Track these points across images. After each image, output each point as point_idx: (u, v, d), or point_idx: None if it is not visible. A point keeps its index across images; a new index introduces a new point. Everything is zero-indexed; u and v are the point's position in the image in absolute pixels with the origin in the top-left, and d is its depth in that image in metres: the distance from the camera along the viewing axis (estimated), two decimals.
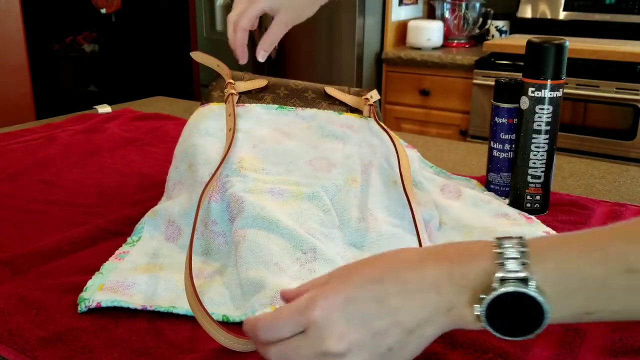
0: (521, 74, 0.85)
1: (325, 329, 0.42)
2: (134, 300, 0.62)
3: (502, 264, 0.41)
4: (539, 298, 0.40)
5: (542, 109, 0.83)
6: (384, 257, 0.46)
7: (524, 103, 0.84)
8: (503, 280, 0.41)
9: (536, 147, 0.84)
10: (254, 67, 2.71)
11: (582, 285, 0.41)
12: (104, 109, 1.47)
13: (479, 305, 0.42)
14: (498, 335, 0.42)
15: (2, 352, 0.56)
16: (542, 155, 0.85)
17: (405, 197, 0.76)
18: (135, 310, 0.62)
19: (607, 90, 2.12)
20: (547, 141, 0.84)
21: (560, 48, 0.81)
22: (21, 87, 2.41)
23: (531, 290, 0.40)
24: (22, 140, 1.20)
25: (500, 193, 0.92)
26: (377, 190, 0.78)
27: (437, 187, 0.90)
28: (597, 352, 0.56)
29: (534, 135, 0.84)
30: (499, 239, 0.43)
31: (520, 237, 0.42)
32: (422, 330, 0.43)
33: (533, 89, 0.83)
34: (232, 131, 0.81)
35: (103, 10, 4.06)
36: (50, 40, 4.37)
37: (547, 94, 0.82)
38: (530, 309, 0.41)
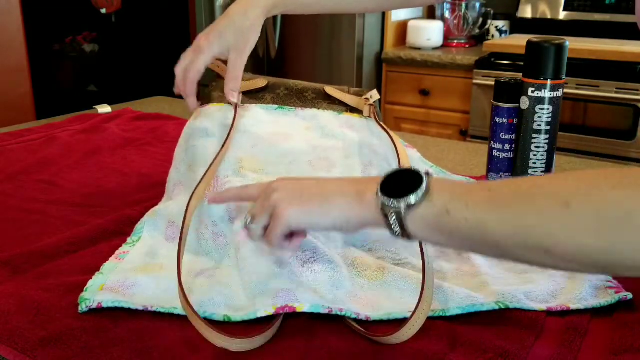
0: (521, 74, 0.85)
1: (276, 189, 0.59)
2: (135, 300, 0.62)
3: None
4: (421, 173, 0.52)
5: (542, 109, 0.83)
6: None
7: (524, 103, 0.84)
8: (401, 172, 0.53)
9: (536, 147, 0.84)
10: (254, 67, 2.71)
11: (452, 186, 0.51)
12: (104, 109, 1.47)
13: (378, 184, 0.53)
14: (384, 198, 0.52)
15: (2, 352, 0.56)
16: (542, 155, 0.85)
17: None
18: (135, 310, 0.62)
19: (607, 90, 2.12)
20: (547, 141, 0.84)
21: (560, 48, 0.81)
22: (21, 87, 2.41)
23: (416, 170, 0.52)
24: (22, 140, 1.20)
25: None
26: None
27: None
28: (597, 351, 0.56)
29: (534, 135, 0.84)
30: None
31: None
32: (334, 197, 0.56)
33: (533, 89, 0.83)
34: (230, 129, 0.81)
35: (103, 10, 4.06)
36: (50, 40, 4.37)
37: (547, 94, 0.82)
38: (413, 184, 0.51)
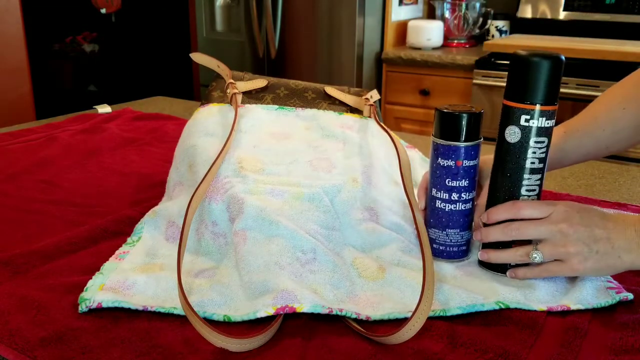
0: None
1: (563, 217, 0.64)
2: (135, 300, 0.62)
3: None
4: None
5: (538, 142, 0.66)
6: None
7: (514, 135, 0.66)
8: None
9: (528, 190, 0.67)
10: (254, 67, 2.71)
11: None
12: (104, 109, 1.47)
13: None
14: None
15: (2, 352, 0.56)
16: (534, 199, 0.68)
17: (405, 197, 0.76)
18: (135, 310, 0.62)
19: None
20: (538, 182, 0.67)
21: (557, 62, 0.64)
22: (21, 87, 2.41)
23: None
24: (22, 140, 1.20)
25: (445, 255, 0.72)
26: (377, 191, 0.78)
27: None
28: (597, 351, 0.56)
29: (525, 176, 0.67)
30: None
31: None
32: (621, 253, 0.62)
33: (527, 117, 0.65)
34: (231, 130, 0.81)
35: (103, 10, 4.06)
36: (50, 40, 4.37)
37: (544, 122, 0.65)
38: None
